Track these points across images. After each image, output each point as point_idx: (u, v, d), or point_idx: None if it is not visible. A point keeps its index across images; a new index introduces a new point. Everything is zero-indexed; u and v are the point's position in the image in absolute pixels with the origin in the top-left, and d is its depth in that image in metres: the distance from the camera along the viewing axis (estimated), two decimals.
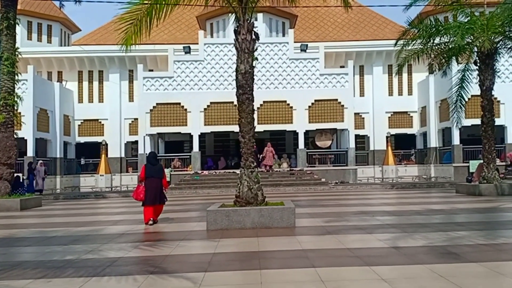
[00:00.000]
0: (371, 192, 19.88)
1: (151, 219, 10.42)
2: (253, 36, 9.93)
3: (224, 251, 6.87)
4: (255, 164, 9.83)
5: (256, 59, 9.95)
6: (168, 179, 24.38)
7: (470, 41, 15.93)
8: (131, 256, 6.76)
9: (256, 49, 9.98)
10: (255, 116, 10.62)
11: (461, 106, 16.85)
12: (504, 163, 24.55)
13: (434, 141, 27.87)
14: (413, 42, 16.55)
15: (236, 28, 9.96)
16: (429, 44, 16.98)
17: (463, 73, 16.81)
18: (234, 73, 26.38)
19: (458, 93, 16.73)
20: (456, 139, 25.59)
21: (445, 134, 27.66)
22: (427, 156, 28.52)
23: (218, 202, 16.29)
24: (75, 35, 37.26)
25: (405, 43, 16.60)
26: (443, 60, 18.18)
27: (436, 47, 17.38)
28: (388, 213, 11.14)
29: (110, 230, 9.85)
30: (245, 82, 9.64)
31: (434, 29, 15.91)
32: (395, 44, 16.94)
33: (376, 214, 10.91)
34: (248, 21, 9.85)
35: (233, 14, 10.24)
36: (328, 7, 26.53)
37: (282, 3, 11.26)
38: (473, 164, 24.59)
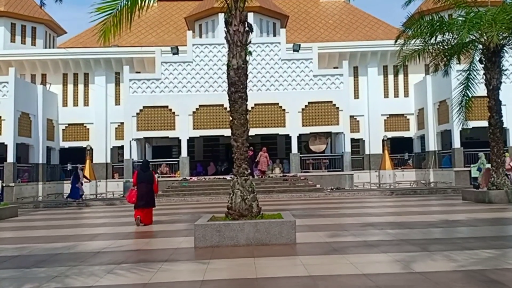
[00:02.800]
0: (371, 199, 18.82)
1: (139, 218, 11.52)
2: (246, 28, 8.83)
3: (215, 277, 5.73)
4: (249, 171, 8.71)
5: (250, 53, 8.85)
6: None
7: (475, 38, 15.01)
8: (101, 286, 5.58)
9: (250, 42, 8.88)
10: None
11: (467, 106, 15.86)
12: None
13: (432, 145, 26.94)
14: (414, 40, 15.58)
15: (227, 19, 8.86)
16: (430, 41, 16.03)
17: (468, 72, 15.86)
18: (224, 74, 25.10)
19: (463, 93, 15.75)
20: (456, 142, 24.66)
21: (444, 137, 26.76)
22: (425, 160, 27.58)
23: (207, 211, 15.29)
24: (60, 37, 36.05)
25: (406, 39, 15.61)
26: (445, 59, 17.27)
27: (438, 45, 16.45)
28: (397, 225, 10.04)
29: (86, 247, 8.66)
30: (237, 78, 8.54)
31: (436, 25, 14.92)
32: (395, 41, 15.96)
33: (384, 226, 9.82)
34: (241, 11, 8.75)
35: (224, 4, 9.14)
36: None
37: None
38: (475, 168, 23.72)
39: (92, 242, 9.39)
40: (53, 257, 7.73)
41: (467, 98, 15.69)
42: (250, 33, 8.89)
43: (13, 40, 30.77)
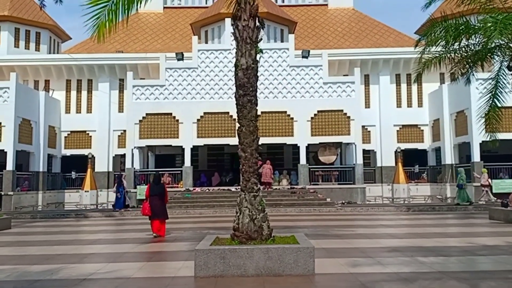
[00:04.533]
0: (387, 216, 17.55)
1: (155, 234, 11.73)
2: (257, 23, 7.77)
3: None
4: (258, 186, 7.58)
5: (261, 51, 7.76)
6: None
7: (504, 42, 13.83)
8: None
9: (261, 39, 7.82)
10: None
11: (495, 117, 14.61)
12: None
13: (449, 158, 25.64)
14: (436, 45, 14.42)
15: (236, 13, 7.81)
16: (453, 47, 14.87)
17: (496, 79, 14.63)
18: (230, 81, 24.04)
19: (491, 102, 14.50)
20: (476, 156, 23.32)
21: (462, 149, 25.48)
22: (441, 174, 26.29)
23: (211, 226, 14.16)
24: (65, 43, 35.35)
25: (427, 43, 14.46)
26: (467, 66, 16.09)
27: (461, 51, 15.28)
28: (427, 250, 8.80)
29: (71, 272, 7.55)
30: (246, 80, 7.45)
31: (462, 28, 13.76)
32: (416, 45, 14.75)
33: (413, 251, 8.61)
34: (251, 4, 7.70)
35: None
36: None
37: None
38: (496, 184, 22.46)
39: (80, 265, 8.28)
40: (31, 285, 6.64)
41: (496, 108, 14.44)
42: (262, 29, 7.83)
43: (16, 45, 30.02)
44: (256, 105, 7.53)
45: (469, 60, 15.64)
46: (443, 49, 15.34)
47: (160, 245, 10.46)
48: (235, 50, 7.87)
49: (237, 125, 7.76)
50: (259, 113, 24.06)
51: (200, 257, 6.67)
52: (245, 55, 7.51)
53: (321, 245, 9.34)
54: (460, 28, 13.62)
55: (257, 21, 7.75)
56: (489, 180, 22.29)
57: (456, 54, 15.44)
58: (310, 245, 6.78)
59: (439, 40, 14.37)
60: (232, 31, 7.85)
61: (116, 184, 21.68)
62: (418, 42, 14.98)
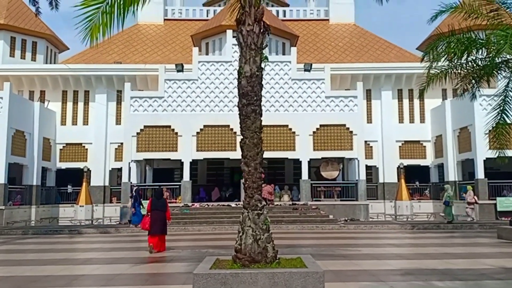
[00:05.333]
0: (392, 234, 16.91)
1: (151, 246, 11.69)
2: (262, 28, 7.28)
3: None
4: (262, 203, 7.00)
5: (266, 58, 7.27)
6: None
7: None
8: None
9: (266, 45, 7.33)
10: None
11: (504, 133, 14.17)
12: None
13: (452, 174, 25.10)
14: (443, 59, 14.07)
15: (239, 17, 7.32)
16: (460, 61, 14.49)
17: (504, 94, 14.22)
18: (231, 93, 23.39)
19: (499, 118, 14.08)
20: (480, 173, 22.82)
21: (465, 166, 24.95)
22: (443, 190, 25.66)
23: (210, 244, 13.45)
24: (62, 54, 34.87)
25: (433, 57, 14.08)
26: (473, 81, 15.71)
27: (467, 65, 14.89)
28: (441, 273, 8.19)
29: None
30: (250, 88, 6.93)
31: (469, 42, 13.39)
32: (422, 58, 14.44)
33: (426, 275, 7.99)
34: (256, 8, 7.22)
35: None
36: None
37: None
38: (501, 202, 21.89)
39: None
40: None
41: (505, 124, 14.01)
42: (267, 35, 7.33)
43: (12, 54, 29.52)
44: (261, 115, 7.00)
45: (475, 75, 15.32)
46: (449, 64, 15.04)
47: (156, 266, 9.80)
48: (236, 62, 7.40)
49: (240, 137, 7.23)
50: None
51: (199, 282, 6.04)
52: (249, 62, 7.01)
53: (328, 266, 8.71)
54: (467, 42, 13.26)
55: (262, 26, 7.26)
56: (475, 197, 21.92)
57: (462, 69, 15.11)
58: (320, 269, 6.17)
59: (445, 54, 14.04)
60: (236, 36, 7.35)
61: (132, 199, 20.14)
62: (424, 56, 14.64)
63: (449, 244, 13.29)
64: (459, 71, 15.10)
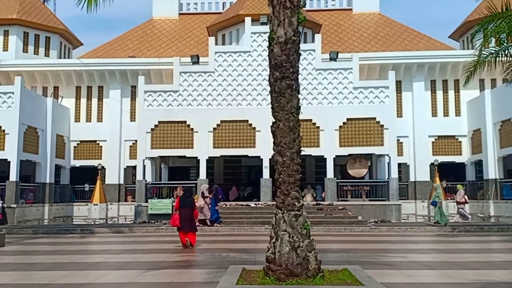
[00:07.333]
0: (432, 238, 15.14)
1: (187, 240, 12.37)
2: None
3: None
4: (301, 202, 5.38)
5: (304, 19, 5.62)
6: (169, 211, 20.73)
7: None
8: None
9: (304, 4, 5.80)
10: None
11: None
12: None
13: (492, 172, 23.00)
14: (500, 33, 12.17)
15: None
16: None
17: None
18: (250, 86, 21.61)
19: None
20: None
21: (507, 162, 22.81)
22: (482, 189, 23.61)
23: (229, 247, 12.01)
24: (76, 50, 33.95)
25: (486, 36, 12.21)
26: None
27: None
28: None
29: None
30: (285, 58, 5.36)
31: None
32: (472, 37, 12.56)
33: None
34: None
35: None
36: None
37: None
38: None
39: None
40: None
41: None
42: None
43: (25, 50, 28.66)
44: (298, 92, 5.48)
45: None
46: (498, 47, 13.19)
47: (170, 273, 8.34)
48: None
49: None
50: None
51: None
52: (283, 24, 5.38)
53: (373, 276, 7.02)
54: None
55: None
56: (465, 196, 20.76)
57: None
58: (379, 286, 4.50)
59: (502, 32, 12.18)
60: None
61: (212, 196, 19.11)
62: (474, 34, 12.76)
63: (504, 250, 11.50)
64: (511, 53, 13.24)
